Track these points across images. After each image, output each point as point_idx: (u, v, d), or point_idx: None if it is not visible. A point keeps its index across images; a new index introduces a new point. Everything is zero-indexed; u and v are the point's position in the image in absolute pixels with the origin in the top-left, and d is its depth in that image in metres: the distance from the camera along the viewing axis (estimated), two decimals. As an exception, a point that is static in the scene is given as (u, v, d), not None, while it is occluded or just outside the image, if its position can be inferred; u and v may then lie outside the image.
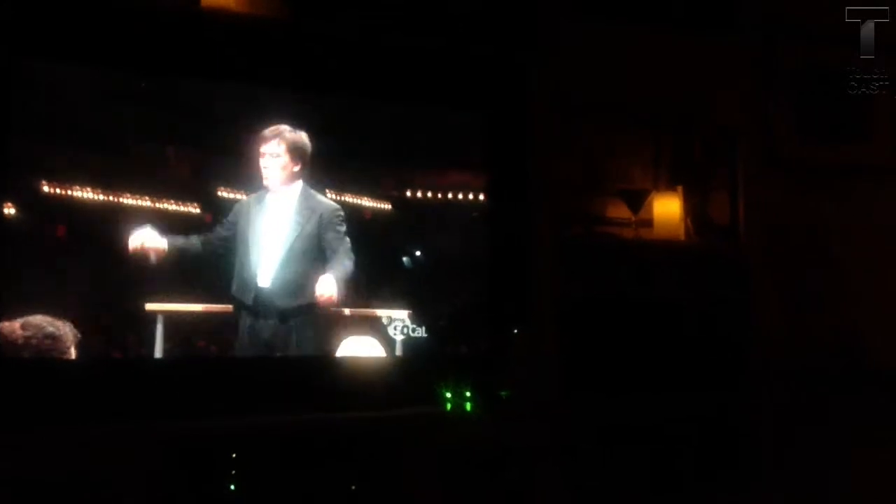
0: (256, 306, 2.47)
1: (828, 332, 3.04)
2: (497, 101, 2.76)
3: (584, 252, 2.78)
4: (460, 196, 2.76)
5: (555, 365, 2.63)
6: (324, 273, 2.52)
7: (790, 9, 3.07)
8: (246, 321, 2.47)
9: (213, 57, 2.43)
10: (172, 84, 2.45)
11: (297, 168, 2.53)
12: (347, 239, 2.56)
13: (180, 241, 2.42)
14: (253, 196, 2.52)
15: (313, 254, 2.54)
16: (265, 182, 2.51)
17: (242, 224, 2.48)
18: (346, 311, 2.57)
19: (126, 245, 2.34)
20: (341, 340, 2.57)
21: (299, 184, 2.55)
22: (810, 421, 2.89)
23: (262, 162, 2.50)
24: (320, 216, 2.55)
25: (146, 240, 2.36)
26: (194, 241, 2.44)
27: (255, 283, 2.48)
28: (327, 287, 2.51)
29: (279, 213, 2.53)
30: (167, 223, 2.39)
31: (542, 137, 2.74)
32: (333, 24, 2.55)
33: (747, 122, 3.04)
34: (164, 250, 2.39)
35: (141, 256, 2.36)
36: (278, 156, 2.50)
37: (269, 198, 2.53)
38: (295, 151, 2.52)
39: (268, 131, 2.49)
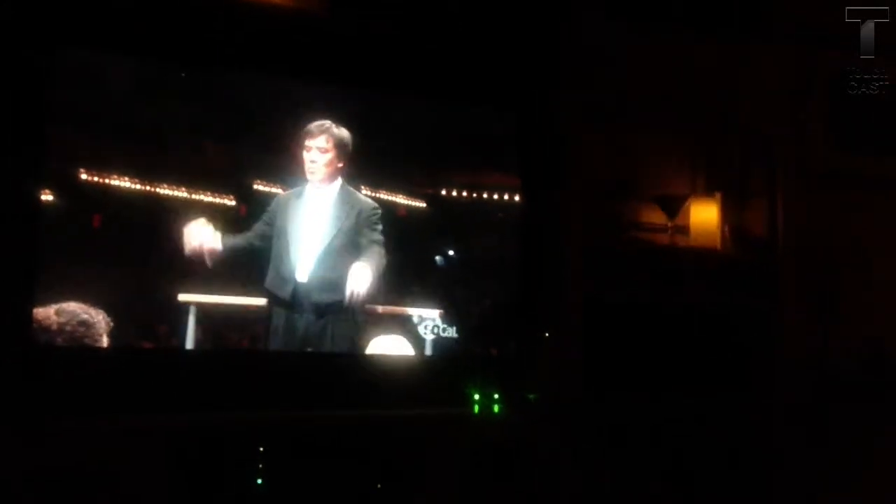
0: (293, 301, 2.47)
1: (855, 342, 3.01)
2: (530, 102, 2.76)
3: (613, 257, 2.76)
4: (494, 197, 2.75)
5: (581, 369, 2.62)
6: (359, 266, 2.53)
7: (828, 18, 3.02)
8: (281, 316, 2.48)
9: (251, 49, 2.44)
10: (211, 76, 2.46)
11: (340, 164, 2.54)
12: (383, 238, 2.56)
13: (230, 239, 2.42)
14: (291, 191, 2.52)
15: (351, 250, 2.54)
16: (310, 177, 2.52)
17: (281, 219, 2.49)
18: (380, 309, 2.58)
19: (174, 239, 2.35)
20: (372, 338, 2.57)
21: (339, 180, 2.56)
22: (832, 429, 2.87)
23: (308, 156, 2.50)
24: (359, 213, 2.55)
25: (204, 239, 2.37)
26: (240, 239, 2.44)
27: (294, 278, 2.48)
28: (362, 278, 2.50)
29: (319, 209, 2.54)
30: (203, 214, 2.39)
31: (575, 140, 2.73)
32: (370, 22, 2.56)
33: (785, 131, 3.01)
34: (218, 251, 2.39)
35: (196, 255, 2.36)
36: (326, 151, 2.51)
37: (308, 194, 2.53)
38: (341, 148, 2.52)
39: (314, 126, 2.49)
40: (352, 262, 2.52)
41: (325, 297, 2.50)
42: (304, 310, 2.48)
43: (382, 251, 2.55)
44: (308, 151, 2.50)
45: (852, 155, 3.08)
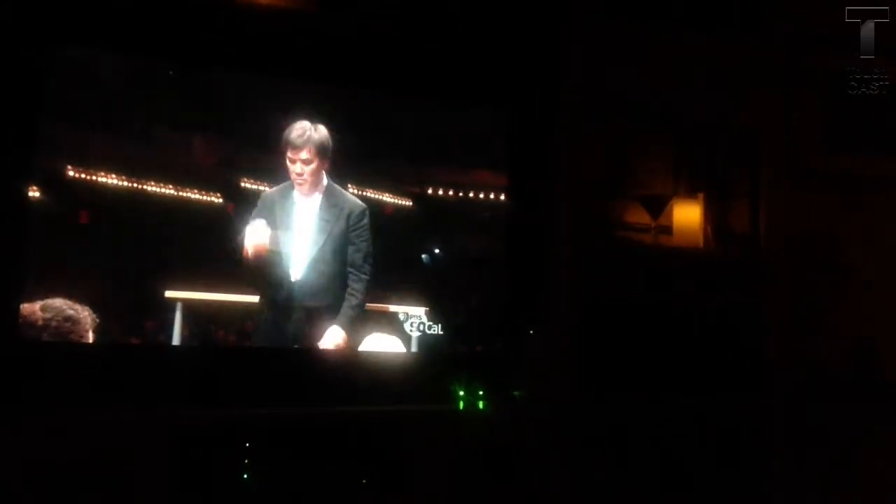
0: (286, 302, 2.49)
1: (843, 343, 3.02)
2: (520, 101, 2.75)
3: (601, 256, 2.77)
4: (481, 195, 2.76)
5: (569, 367, 2.63)
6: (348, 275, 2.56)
7: (820, 15, 3.02)
8: (272, 315, 2.49)
9: (240, 47, 2.44)
10: (202, 75, 2.46)
11: (325, 167, 2.54)
12: (370, 248, 2.57)
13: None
14: (277, 189, 2.51)
15: (343, 253, 2.55)
16: (298, 187, 2.52)
17: (269, 221, 2.48)
18: (367, 306, 2.59)
19: (161, 235, 2.39)
20: (364, 336, 2.58)
21: (325, 180, 2.56)
22: (821, 429, 2.89)
23: (294, 168, 2.50)
24: (348, 216, 2.55)
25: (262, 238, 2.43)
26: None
27: (287, 282, 2.49)
28: (336, 337, 2.53)
29: (308, 212, 2.54)
30: (189, 212, 2.40)
31: (564, 140, 2.73)
32: (366, 20, 2.55)
33: (772, 130, 3.01)
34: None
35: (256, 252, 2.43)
36: (311, 162, 2.50)
37: (295, 194, 2.53)
38: (324, 153, 2.52)
39: (296, 137, 2.48)
40: (344, 265, 2.55)
41: (317, 301, 2.51)
42: (295, 310, 2.49)
43: (367, 280, 2.57)
44: (293, 164, 2.49)
45: (848, 155, 3.08)
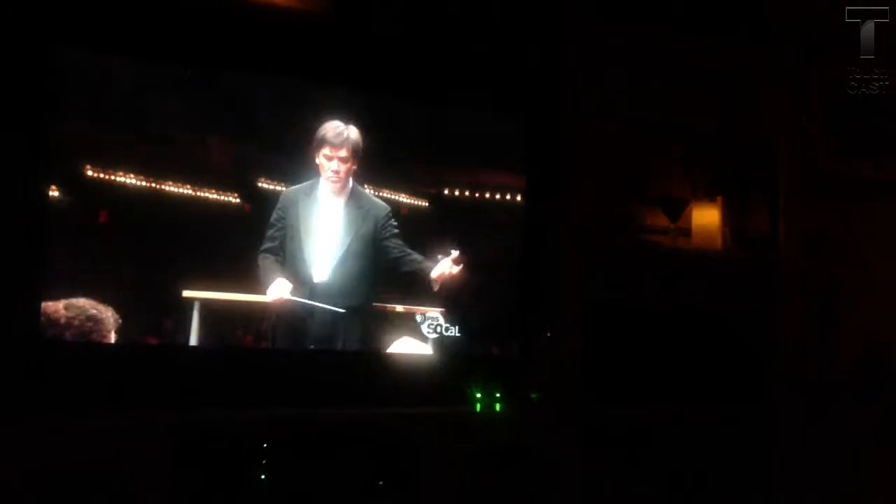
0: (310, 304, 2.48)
1: (857, 347, 3.02)
2: (534, 104, 2.77)
3: (614, 258, 2.77)
4: (497, 197, 2.76)
5: (581, 369, 2.63)
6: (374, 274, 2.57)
7: (830, 19, 3.00)
8: (293, 315, 2.48)
9: (257, 49, 2.44)
10: (218, 75, 2.46)
11: (355, 167, 2.54)
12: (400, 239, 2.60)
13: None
14: (300, 188, 2.51)
15: (367, 254, 2.55)
16: (332, 185, 2.51)
17: (292, 218, 2.48)
18: (386, 307, 2.60)
19: (179, 235, 2.39)
20: (387, 339, 2.59)
21: (350, 181, 2.55)
22: (834, 434, 2.89)
23: (330, 165, 2.49)
24: (375, 218, 2.56)
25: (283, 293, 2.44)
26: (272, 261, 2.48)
27: (311, 282, 2.49)
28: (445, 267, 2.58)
29: (333, 211, 2.54)
30: (207, 211, 2.41)
31: (577, 142, 2.73)
32: (375, 23, 2.57)
33: (787, 134, 3.01)
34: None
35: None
36: (348, 161, 2.50)
37: (321, 194, 2.52)
38: (357, 153, 2.52)
39: (334, 136, 2.48)
40: (367, 266, 2.54)
41: (342, 301, 2.51)
42: (318, 311, 2.49)
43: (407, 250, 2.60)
44: (330, 161, 2.49)
45: (854, 158, 3.08)
